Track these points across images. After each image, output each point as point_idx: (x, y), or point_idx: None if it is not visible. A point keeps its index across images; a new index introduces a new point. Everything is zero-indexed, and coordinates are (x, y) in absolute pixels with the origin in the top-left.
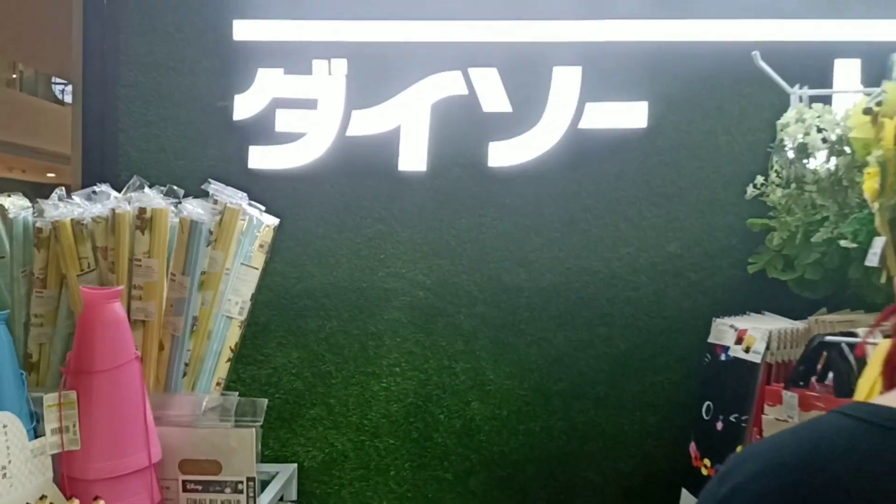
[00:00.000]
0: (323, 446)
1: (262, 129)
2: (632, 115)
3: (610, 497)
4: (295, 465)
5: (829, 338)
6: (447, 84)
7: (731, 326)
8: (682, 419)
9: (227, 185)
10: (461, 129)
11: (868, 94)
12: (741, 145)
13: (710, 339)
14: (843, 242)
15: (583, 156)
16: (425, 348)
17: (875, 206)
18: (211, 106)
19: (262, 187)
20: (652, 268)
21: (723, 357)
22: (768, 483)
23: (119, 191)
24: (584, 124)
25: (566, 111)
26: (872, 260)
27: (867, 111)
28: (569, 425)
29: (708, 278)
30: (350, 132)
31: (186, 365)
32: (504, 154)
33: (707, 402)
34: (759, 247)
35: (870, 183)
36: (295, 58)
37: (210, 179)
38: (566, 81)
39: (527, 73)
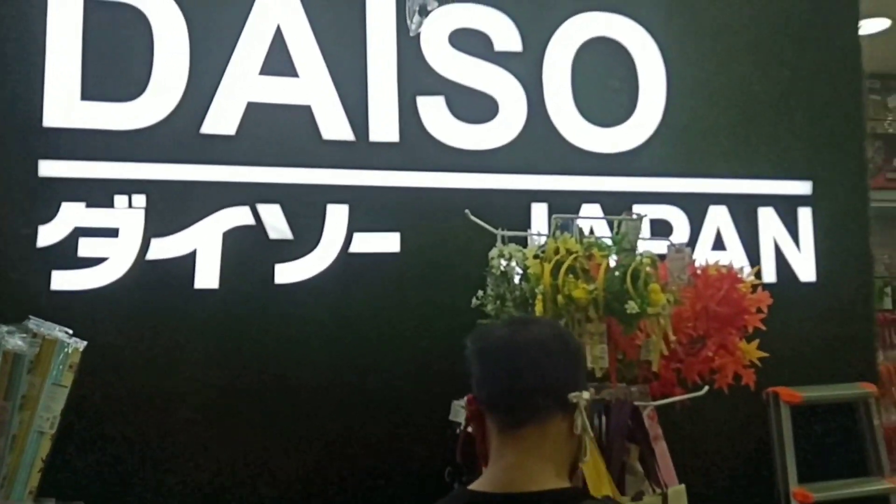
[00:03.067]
0: None
1: (64, 256)
2: (388, 242)
3: None
4: None
5: None
6: (237, 216)
7: (462, 407)
8: (428, 480)
9: (31, 306)
10: (250, 252)
11: (541, 239)
12: (469, 266)
13: (450, 418)
14: None
15: (353, 273)
16: (218, 443)
17: None
18: (15, 234)
19: (64, 307)
20: (409, 360)
21: (458, 431)
22: None
23: None
24: (353, 249)
25: (338, 239)
26: None
27: (536, 255)
28: (345, 498)
29: (450, 367)
30: (149, 256)
31: (4, 479)
32: (288, 273)
33: (448, 467)
34: None
35: (538, 306)
36: (97, 192)
37: (30, 315)
38: (337, 215)
39: (305, 208)
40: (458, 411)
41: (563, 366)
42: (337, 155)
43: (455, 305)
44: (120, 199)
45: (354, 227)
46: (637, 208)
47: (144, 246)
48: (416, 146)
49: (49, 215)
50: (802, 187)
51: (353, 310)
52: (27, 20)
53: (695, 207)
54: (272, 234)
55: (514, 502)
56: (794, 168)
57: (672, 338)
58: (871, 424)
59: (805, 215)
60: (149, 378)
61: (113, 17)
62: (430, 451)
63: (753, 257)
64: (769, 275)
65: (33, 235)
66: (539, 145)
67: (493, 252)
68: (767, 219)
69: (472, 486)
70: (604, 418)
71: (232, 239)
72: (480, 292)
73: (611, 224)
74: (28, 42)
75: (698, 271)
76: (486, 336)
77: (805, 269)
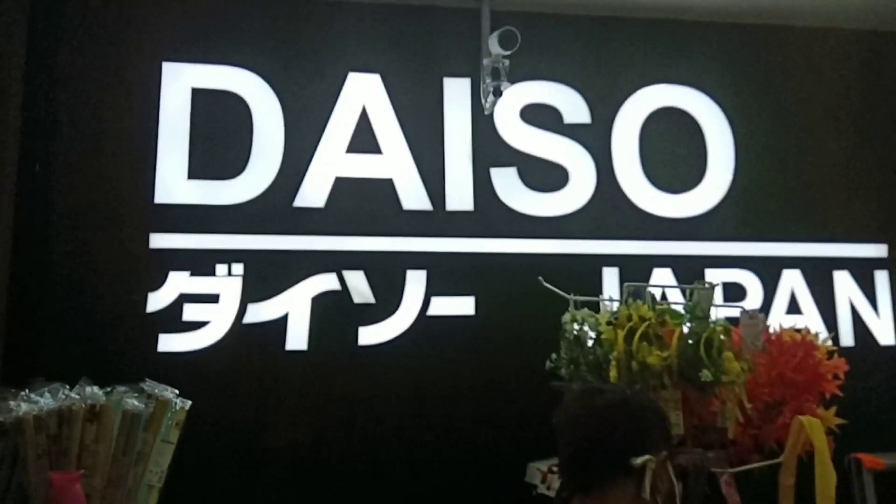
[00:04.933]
0: None
1: (170, 320)
2: (464, 306)
3: None
4: None
5: None
6: (325, 282)
7: (538, 469)
8: None
9: (141, 367)
10: (336, 316)
11: (613, 304)
12: (542, 329)
13: (527, 479)
14: None
15: (431, 335)
16: (305, 499)
17: None
18: (127, 300)
19: (169, 368)
20: (485, 422)
21: (534, 493)
22: None
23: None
24: (431, 312)
25: (416, 302)
26: None
27: (609, 322)
28: None
29: (527, 430)
30: (246, 320)
31: None
32: (371, 335)
33: None
34: None
35: (613, 372)
36: (201, 262)
37: (146, 378)
38: (415, 280)
39: (387, 273)
40: (534, 473)
41: (625, 430)
42: (416, 224)
43: (529, 367)
44: (221, 268)
45: (432, 291)
46: (709, 272)
47: (241, 310)
48: (490, 214)
49: (158, 283)
50: (878, 250)
51: (432, 371)
52: (142, 107)
53: (768, 271)
54: (356, 299)
55: None
56: (868, 230)
57: (748, 405)
58: None
59: (882, 278)
60: (244, 434)
61: (216, 102)
62: None
63: (830, 321)
64: (847, 338)
65: (143, 302)
66: (609, 211)
67: (566, 317)
68: (843, 282)
69: None
70: (681, 484)
71: (320, 303)
72: (554, 355)
73: (683, 291)
74: (142, 127)
75: (773, 337)
76: (561, 408)
77: (884, 331)
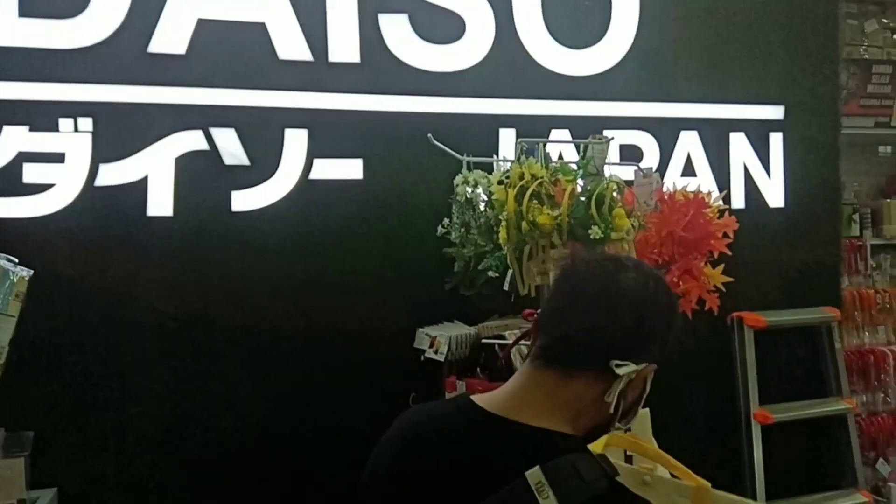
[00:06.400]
0: (82, 470)
1: (8, 182)
2: (351, 169)
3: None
4: (55, 489)
5: (484, 340)
6: (189, 140)
7: (427, 334)
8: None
9: None
10: (205, 179)
11: (507, 164)
12: (436, 193)
13: (415, 345)
14: (489, 272)
15: (314, 201)
16: (179, 372)
17: (505, 248)
18: None
19: (11, 236)
20: (374, 289)
21: (422, 358)
22: (393, 435)
23: None
24: (313, 176)
25: (297, 165)
26: (506, 285)
27: (500, 182)
28: (312, 427)
29: (416, 296)
30: (99, 182)
31: None
32: (245, 200)
33: (413, 393)
34: (453, 271)
35: (502, 233)
36: (41, 115)
37: None
38: (296, 141)
39: (262, 133)
40: (423, 338)
41: (629, 332)
42: (294, 76)
43: (420, 234)
44: (65, 123)
45: (314, 152)
46: (607, 133)
47: (93, 171)
48: (378, 67)
49: None
50: (775, 112)
51: (316, 239)
52: None
53: (666, 133)
54: (227, 160)
55: (504, 428)
56: (766, 93)
57: None
58: (832, 347)
59: (776, 141)
60: (103, 308)
61: None
62: (395, 377)
63: (723, 183)
64: (738, 201)
65: None
66: (507, 67)
67: (458, 179)
68: (738, 144)
69: (474, 398)
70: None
71: (185, 165)
72: (446, 220)
73: (577, 146)
74: None
75: (665, 196)
76: (580, 263)
77: (774, 194)
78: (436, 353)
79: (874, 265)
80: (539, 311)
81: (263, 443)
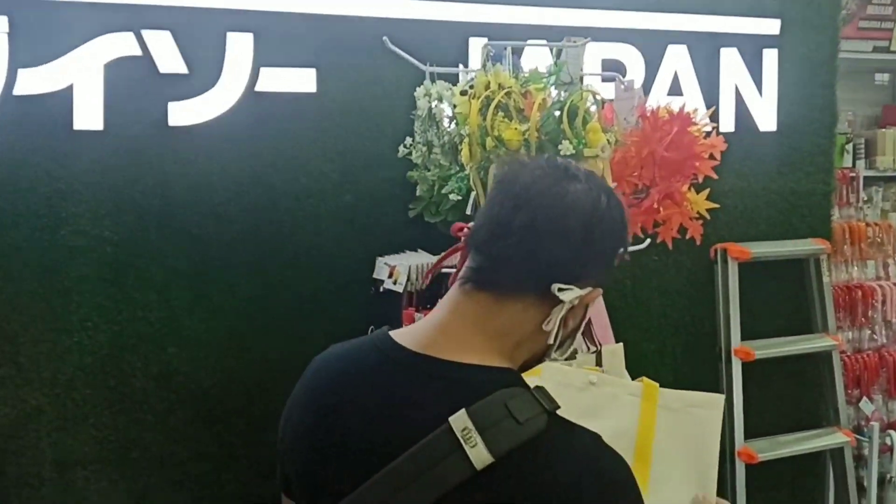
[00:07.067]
0: (15, 404)
1: None
2: (303, 80)
3: None
4: None
5: (445, 269)
6: (119, 44)
7: (386, 264)
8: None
9: None
10: (138, 89)
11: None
12: (398, 109)
13: (374, 275)
14: (451, 196)
15: (262, 116)
16: (117, 302)
17: (468, 168)
18: None
19: None
20: (331, 216)
21: (382, 289)
22: (302, 384)
23: None
24: (259, 87)
25: (241, 74)
26: (469, 209)
27: (463, 92)
28: (263, 360)
29: (377, 224)
30: (18, 91)
31: None
32: (185, 113)
33: (371, 326)
34: (417, 196)
35: (465, 151)
36: None
37: None
38: (240, 46)
39: (201, 36)
40: (382, 268)
41: (572, 249)
42: None
43: (382, 155)
44: None
45: (261, 60)
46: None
47: (11, 78)
48: None
49: None
50: (770, 26)
51: (265, 159)
52: None
53: (652, 47)
54: (162, 68)
55: (425, 366)
56: (762, 5)
57: (612, 185)
58: (819, 281)
59: (770, 58)
60: (31, 232)
61: None
62: (352, 310)
63: (712, 104)
64: (727, 124)
65: None
66: None
67: (419, 91)
68: (730, 61)
69: (394, 333)
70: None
71: (115, 73)
72: (409, 139)
73: (551, 50)
74: None
75: (648, 113)
76: (522, 168)
77: (766, 118)
78: (394, 283)
79: (866, 198)
80: (471, 224)
81: (210, 378)
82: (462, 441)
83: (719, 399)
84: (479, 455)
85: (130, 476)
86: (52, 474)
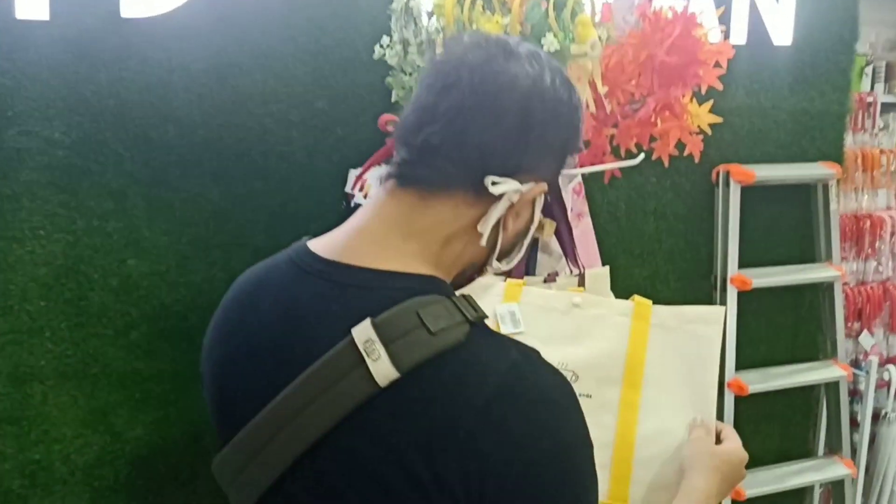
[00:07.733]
0: None
1: None
2: None
3: None
4: None
5: None
6: None
7: (357, 176)
8: None
9: None
10: None
11: None
12: (377, 7)
13: (346, 189)
14: None
15: (225, 9)
16: (71, 209)
17: None
18: None
19: None
20: (302, 123)
21: (354, 204)
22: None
23: None
24: None
25: None
26: None
27: None
28: (229, 275)
29: (353, 133)
30: None
31: None
32: (139, 5)
33: None
34: (393, 103)
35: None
36: None
37: None
38: None
39: None
40: (352, 181)
41: (508, 135)
42: None
43: (358, 56)
44: None
45: None
46: None
47: None
48: None
49: None
50: None
51: (230, 57)
52: None
53: None
54: None
55: (339, 276)
56: None
57: (601, 88)
58: (826, 208)
59: None
60: None
61: None
62: (324, 225)
63: (724, 14)
64: (738, 35)
65: None
66: None
67: None
68: None
69: (312, 242)
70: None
71: None
72: (386, 39)
73: None
74: None
75: (649, 13)
76: (455, 46)
77: (781, 29)
78: (364, 197)
79: (882, 125)
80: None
81: (173, 292)
82: (365, 355)
83: (719, 312)
84: (383, 369)
85: (91, 393)
86: (8, 388)
